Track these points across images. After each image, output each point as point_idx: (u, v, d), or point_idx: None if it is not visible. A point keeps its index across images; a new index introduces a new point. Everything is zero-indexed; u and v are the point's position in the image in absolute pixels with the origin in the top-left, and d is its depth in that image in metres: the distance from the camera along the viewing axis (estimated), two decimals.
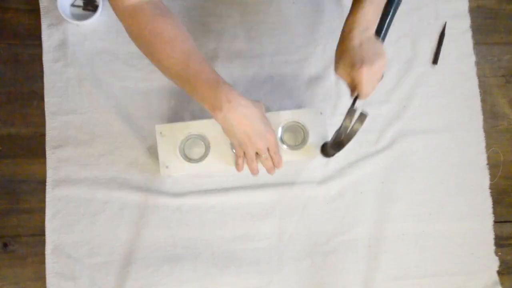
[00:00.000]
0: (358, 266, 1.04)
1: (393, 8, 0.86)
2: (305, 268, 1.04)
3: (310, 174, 1.06)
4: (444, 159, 1.08)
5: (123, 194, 1.03)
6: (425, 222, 1.06)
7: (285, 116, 0.96)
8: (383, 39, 0.85)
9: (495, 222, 1.07)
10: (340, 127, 0.84)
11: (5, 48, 1.07)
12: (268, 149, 0.85)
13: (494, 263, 1.06)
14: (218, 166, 0.96)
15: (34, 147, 1.05)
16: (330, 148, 0.91)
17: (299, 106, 1.07)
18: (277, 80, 1.08)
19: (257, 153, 0.85)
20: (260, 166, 0.88)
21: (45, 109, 1.05)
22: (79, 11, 1.09)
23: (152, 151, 1.04)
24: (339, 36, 0.84)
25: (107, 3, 1.08)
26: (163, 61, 0.78)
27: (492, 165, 1.09)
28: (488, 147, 1.09)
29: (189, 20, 1.09)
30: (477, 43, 1.12)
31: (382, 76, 0.83)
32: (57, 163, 1.04)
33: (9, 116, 1.06)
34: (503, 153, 1.10)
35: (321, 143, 0.96)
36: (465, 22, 1.12)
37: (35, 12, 1.08)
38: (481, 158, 1.09)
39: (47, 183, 1.04)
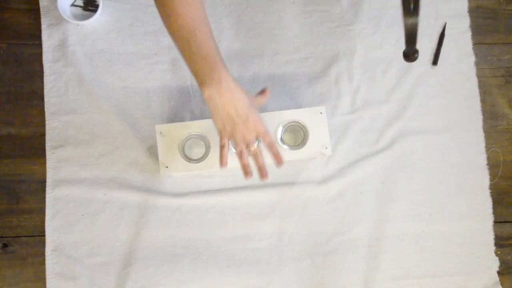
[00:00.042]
0: (358, 266, 1.04)
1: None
2: (305, 268, 1.04)
3: (310, 174, 1.06)
4: (444, 159, 1.08)
5: (123, 194, 1.03)
6: (425, 222, 1.06)
7: (285, 116, 0.96)
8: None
9: (495, 222, 1.07)
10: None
11: (5, 48, 1.07)
12: (259, 141, 0.84)
13: (494, 263, 1.06)
14: (218, 166, 0.95)
15: (34, 147, 1.05)
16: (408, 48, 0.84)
17: (299, 106, 1.07)
18: (277, 80, 1.08)
19: (247, 148, 0.83)
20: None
21: (45, 109, 1.05)
22: (79, 11, 1.09)
23: (152, 151, 1.04)
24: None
25: (107, 3, 1.08)
26: (175, 22, 0.78)
27: (492, 165, 1.09)
28: (488, 147, 1.09)
29: None
30: (476, 43, 1.12)
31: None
32: (57, 163, 1.04)
33: (9, 116, 1.06)
34: (503, 153, 1.10)
35: (321, 143, 0.96)
36: (465, 22, 1.12)
37: (35, 12, 1.08)
38: (481, 158, 1.09)
39: (47, 183, 1.04)
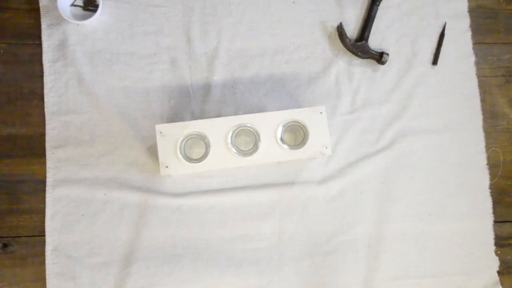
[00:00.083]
0: (358, 266, 1.04)
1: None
2: (305, 268, 1.04)
3: (310, 174, 1.06)
4: (444, 159, 1.08)
5: (123, 194, 1.03)
6: (425, 222, 1.06)
7: (285, 116, 0.96)
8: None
9: (495, 222, 1.08)
10: None
11: (5, 48, 1.07)
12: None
13: (494, 263, 1.06)
14: (218, 166, 0.96)
15: (34, 147, 1.05)
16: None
17: (299, 106, 1.07)
18: (277, 80, 1.08)
19: None
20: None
21: (45, 109, 1.05)
22: (79, 11, 1.08)
23: (152, 151, 1.04)
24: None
25: (107, 3, 1.08)
26: None
27: (492, 165, 1.09)
28: (488, 147, 1.09)
29: (189, 20, 1.09)
30: (476, 43, 1.12)
31: None
32: (57, 163, 1.04)
33: (9, 116, 1.06)
34: (503, 153, 1.10)
35: (321, 143, 0.96)
36: (465, 22, 1.12)
37: (35, 11, 1.08)
38: (481, 158, 1.09)
39: (47, 183, 1.03)
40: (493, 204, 1.08)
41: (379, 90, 1.09)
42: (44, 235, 1.03)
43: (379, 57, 1.07)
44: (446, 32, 1.11)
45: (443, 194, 1.07)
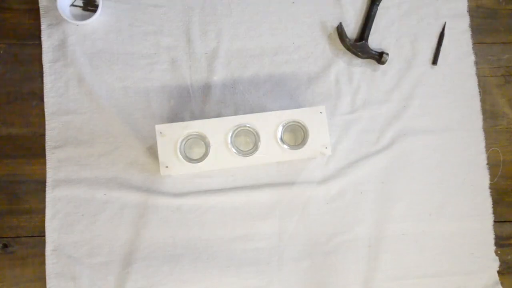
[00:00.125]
0: (358, 266, 1.04)
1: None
2: (305, 268, 1.04)
3: (310, 174, 1.06)
4: (444, 159, 1.08)
5: (123, 194, 1.03)
6: (425, 222, 1.06)
7: (285, 116, 0.96)
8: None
9: (495, 222, 1.07)
10: None
11: (5, 48, 1.07)
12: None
13: (494, 263, 1.06)
14: (218, 166, 0.96)
15: (34, 147, 1.05)
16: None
17: (299, 106, 1.07)
18: (277, 80, 1.08)
19: None
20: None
21: (45, 109, 1.05)
22: (79, 11, 1.08)
23: (152, 151, 1.04)
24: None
25: (107, 3, 1.08)
26: None
27: (492, 165, 1.09)
28: (488, 146, 1.09)
29: (189, 20, 1.09)
30: (476, 43, 1.12)
31: None
32: (57, 163, 1.04)
33: (9, 116, 1.06)
34: (503, 153, 1.10)
35: (321, 143, 0.96)
36: (465, 22, 1.12)
37: (35, 12, 1.08)
38: (481, 158, 1.09)
39: (47, 183, 1.04)
40: (493, 204, 1.08)
41: (379, 90, 1.09)
42: (44, 235, 1.03)
43: (379, 57, 1.07)
44: (446, 32, 1.11)
45: (443, 194, 1.07)
